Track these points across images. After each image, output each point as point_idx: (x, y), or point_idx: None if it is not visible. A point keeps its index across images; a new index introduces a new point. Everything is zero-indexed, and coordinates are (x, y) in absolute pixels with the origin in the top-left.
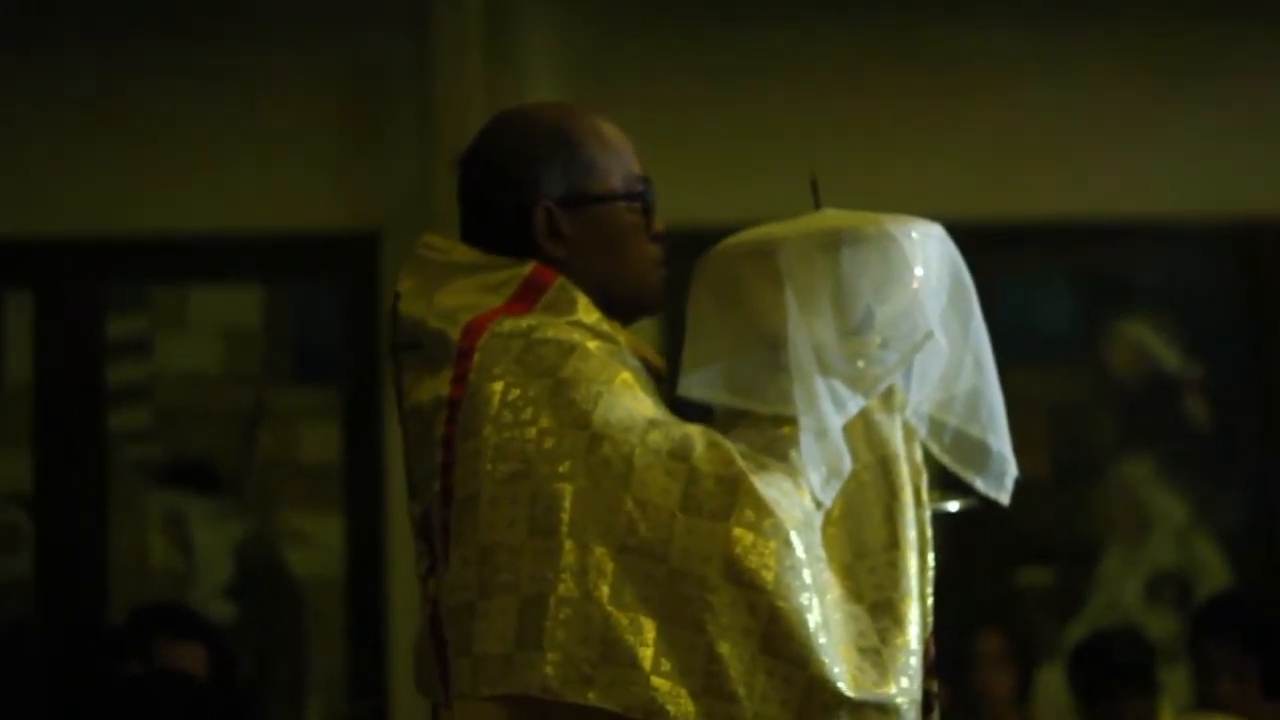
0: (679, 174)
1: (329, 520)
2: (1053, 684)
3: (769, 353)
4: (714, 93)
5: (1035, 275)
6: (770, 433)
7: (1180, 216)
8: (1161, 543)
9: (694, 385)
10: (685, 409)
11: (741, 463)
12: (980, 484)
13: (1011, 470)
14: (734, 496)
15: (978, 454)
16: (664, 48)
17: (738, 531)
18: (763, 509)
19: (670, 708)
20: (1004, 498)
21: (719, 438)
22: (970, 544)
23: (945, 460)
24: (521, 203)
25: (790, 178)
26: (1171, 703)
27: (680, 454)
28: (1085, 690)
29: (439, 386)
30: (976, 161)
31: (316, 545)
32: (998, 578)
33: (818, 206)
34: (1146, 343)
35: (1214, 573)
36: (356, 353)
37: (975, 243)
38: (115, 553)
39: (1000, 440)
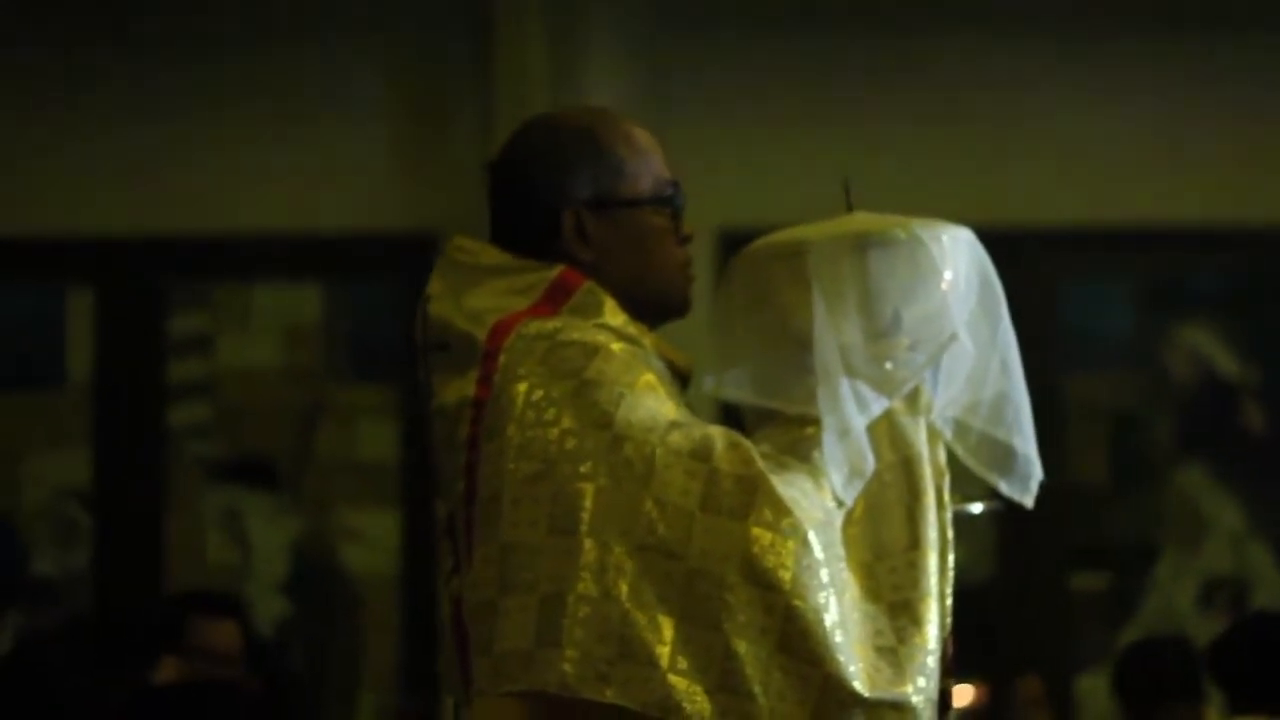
0: (741, 174)
1: (385, 517)
2: (1099, 690)
3: (797, 353)
4: (776, 94)
5: (1094, 281)
6: (795, 432)
7: (1238, 222)
8: (1216, 548)
9: (722, 385)
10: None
11: (761, 463)
12: (1005, 486)
13: (1037, 473)
14: (753, 496)
15: (1003, 457)
16: (725, 49)
17: (756, 531)
18: (781, 509)
19: (686, 705)
20: (1028, 500)
21: (740, 438)
22: (1026, 548)
23: (970, 462)
24: (550, 206)
25: (848, 179)
26: (1218, 710)
27: (701, 454)
28: (1131, 697)
29: (465, 387)
30: (1032, 169)
31: (372, 542)
32: (1053, 582)
33: (850, 209)
34: (1204, 349)
35: (1268, 579)
36: (415, 352)
37: (1034, 249)
38: (173, 548)
39: (1026, 443)
